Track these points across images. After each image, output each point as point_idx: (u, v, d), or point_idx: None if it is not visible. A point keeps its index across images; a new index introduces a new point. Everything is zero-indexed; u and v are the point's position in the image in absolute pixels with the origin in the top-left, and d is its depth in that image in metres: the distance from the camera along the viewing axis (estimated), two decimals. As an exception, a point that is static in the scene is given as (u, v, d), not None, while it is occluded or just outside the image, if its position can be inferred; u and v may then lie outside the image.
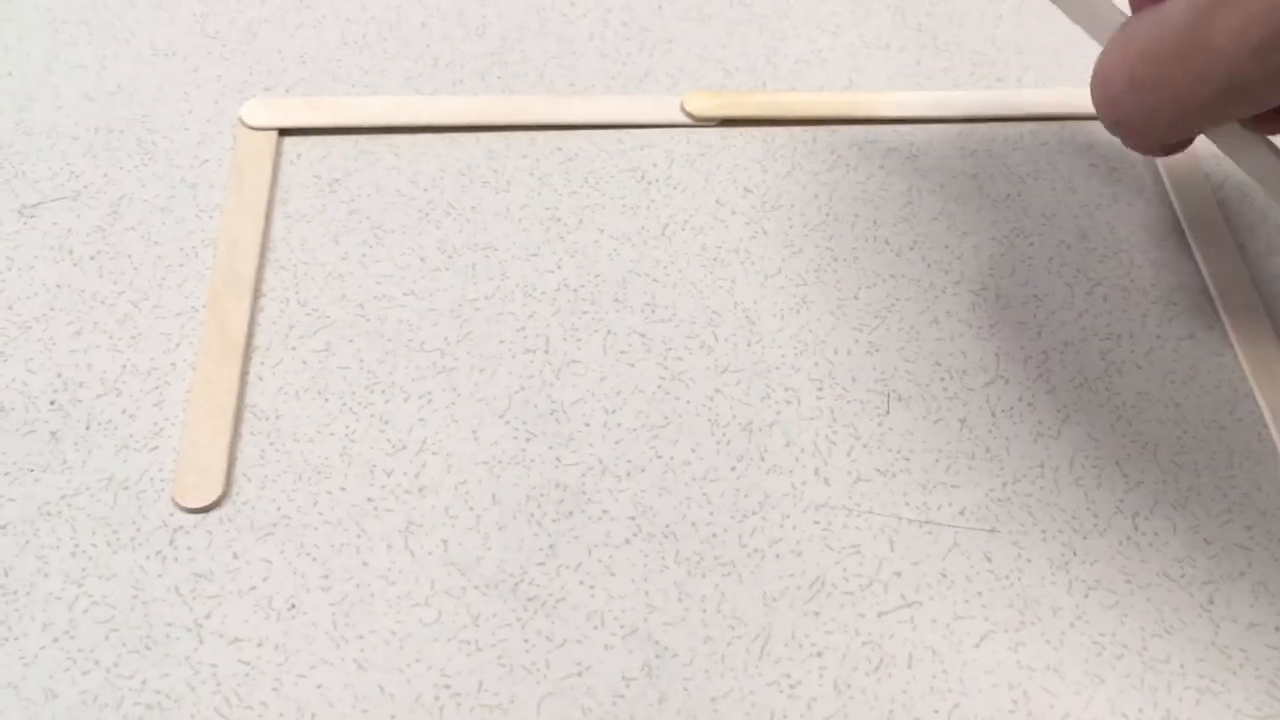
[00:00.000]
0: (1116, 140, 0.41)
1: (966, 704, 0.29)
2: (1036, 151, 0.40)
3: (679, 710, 0.28)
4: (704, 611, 0.30)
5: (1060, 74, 0.43)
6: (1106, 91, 0.29)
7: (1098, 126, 0.41)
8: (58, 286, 0.35)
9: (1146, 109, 0.28)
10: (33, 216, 0.36)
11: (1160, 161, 0.40)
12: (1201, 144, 0.41)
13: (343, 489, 0.31)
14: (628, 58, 0.42)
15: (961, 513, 0.32)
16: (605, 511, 0.31)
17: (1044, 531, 0.32)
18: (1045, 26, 0.45)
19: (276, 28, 0.42)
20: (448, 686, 0.28)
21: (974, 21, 0.44)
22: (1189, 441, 0.34)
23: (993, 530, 0.32)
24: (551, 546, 0.31)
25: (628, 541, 0.31)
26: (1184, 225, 0.38)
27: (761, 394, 0.34)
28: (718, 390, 0.34)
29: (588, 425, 0.33)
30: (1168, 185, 0.39)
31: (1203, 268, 0.37)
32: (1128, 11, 0.30)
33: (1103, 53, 0.29)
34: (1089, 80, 0.30)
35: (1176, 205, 0.39)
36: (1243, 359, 0.35)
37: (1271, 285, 0.37)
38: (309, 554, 0.30)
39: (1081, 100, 0.42)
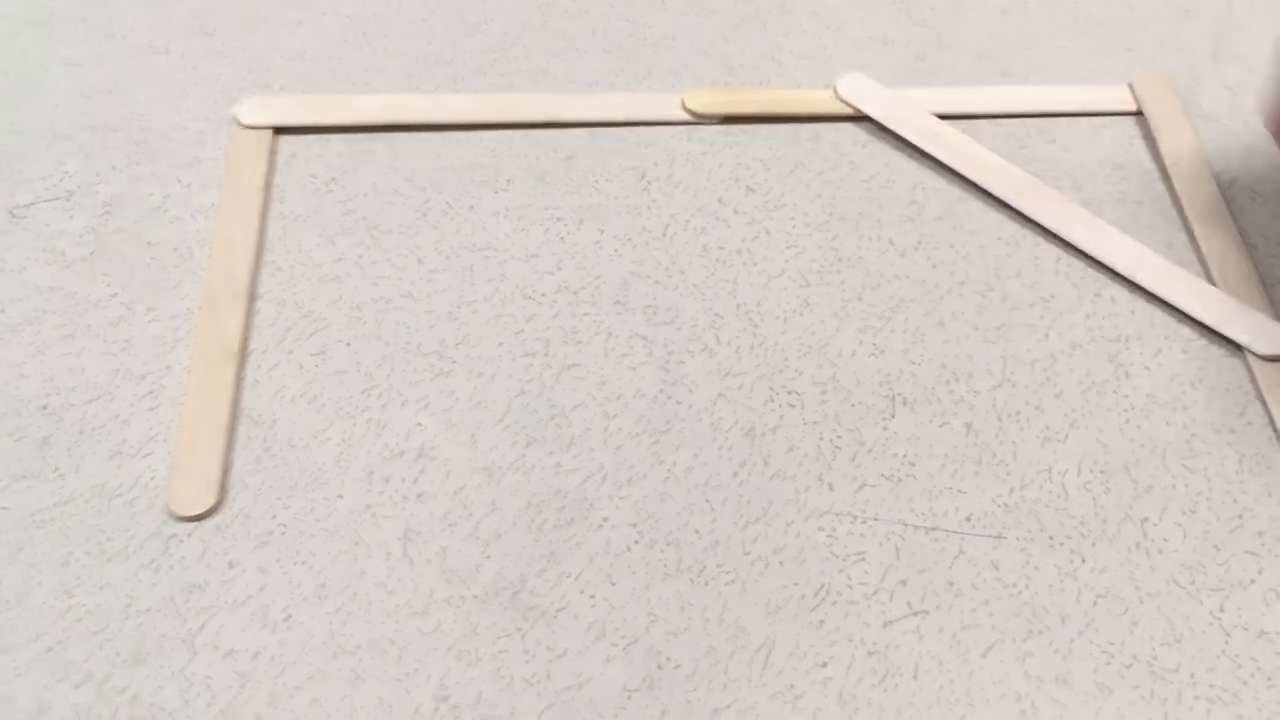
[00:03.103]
0: (1121, 138, 0.40)
1: (973, 715, 0.28)
2: (1042, 149, 0.40)
3: (681, 722, 0.28)
4: (706, 621, 0.29)
5: (1066, 69, 0.42)
6: None
7: (1106, 123, 0.41)
8: (49, 289, 0.34)
9: None
10: (24, 217, 0.36)
11: (1168, 160, 0.39)
12: (1208, 143, 0.40)
13: (340, 496, 0.31)
14: (629, 54, 0.42)
15: (968, 519, 0.31)
16: (606, 519, 0.31)
17: (1051, 538, 0.31)
18: (1049, 22, 0.44)
19: (274, 25, 0.42)
20: (446, 698, 0.28)
21: (978, 16, 0.44)
22: (1198, 445, 0.33)
23: (999, 537, 0.31)
24: (551, 555, 0.30)
25: (629, 550, 0.30)
26: (1191, 225, 0.38)
27: (764, 398, 0.33)
28: (720, 394, 0.33)
29: (588, 430, 0.32)
30: (1175, 185, 0.39)
31: (1211, 268, 0.37)
32: None
33: None
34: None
35: (1185, 204, 0.38)
36: (1251, 361, 0.35)
37: (1282, 286, 0.36)
38: (305, 563, 0.30)
39: (1089, 97, 0.41)
